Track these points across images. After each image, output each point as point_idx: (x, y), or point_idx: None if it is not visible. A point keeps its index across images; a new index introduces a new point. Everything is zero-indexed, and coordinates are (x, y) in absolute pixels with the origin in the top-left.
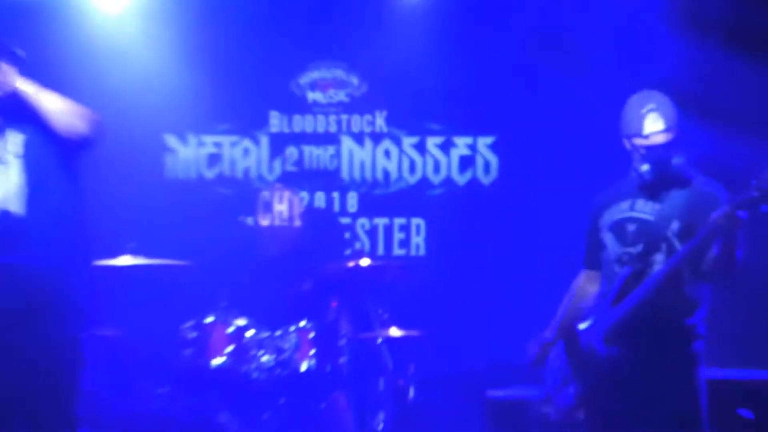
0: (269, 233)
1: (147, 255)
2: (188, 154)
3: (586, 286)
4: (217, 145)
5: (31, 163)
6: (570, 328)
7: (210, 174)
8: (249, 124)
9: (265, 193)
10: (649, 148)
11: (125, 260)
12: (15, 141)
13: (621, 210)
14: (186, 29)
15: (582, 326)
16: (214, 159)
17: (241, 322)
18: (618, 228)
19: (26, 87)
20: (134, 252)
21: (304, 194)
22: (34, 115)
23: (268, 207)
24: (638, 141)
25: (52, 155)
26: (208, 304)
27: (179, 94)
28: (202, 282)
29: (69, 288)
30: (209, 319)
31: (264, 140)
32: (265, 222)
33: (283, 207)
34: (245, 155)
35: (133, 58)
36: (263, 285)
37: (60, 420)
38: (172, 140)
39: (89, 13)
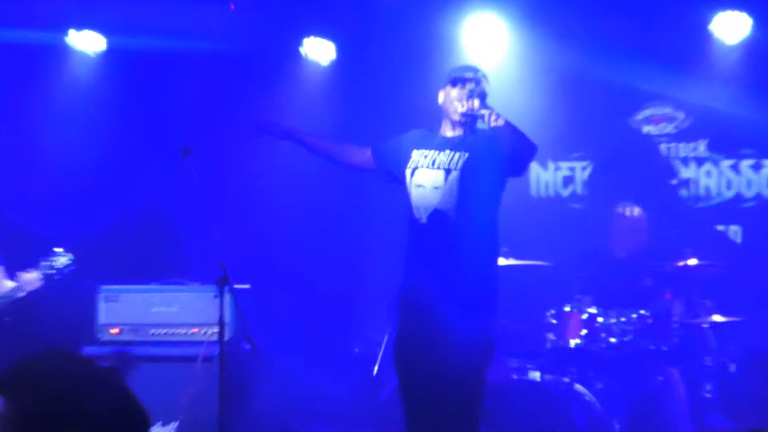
0: (619, 239)
1: (516, 257)
2: (548, 176)
3: None
4: (571, 169)
5: (467, 176)
6: None
7: (565, 192)
8: (594, 152)
9: (619, 209)
10: None
11: (501, 261)
12: (461, 157)
13: None
14: (548, 76)
15: None
16: (568, 180)
17: (593, 310)
18: None
19: (485, 110)
20: (507, 255)
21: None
22: (479, 136)
23: (618, 219)
24: None
25: (487, 172)
26: (566, 295)
27: (540, 128)
28: (561, 278)
29: (487, 283)
30: (567, 308)
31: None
32: (617, 231)
33: (630, 220)
34: (593, 177)
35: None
36: (611, 280)
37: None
38: (534, 166)
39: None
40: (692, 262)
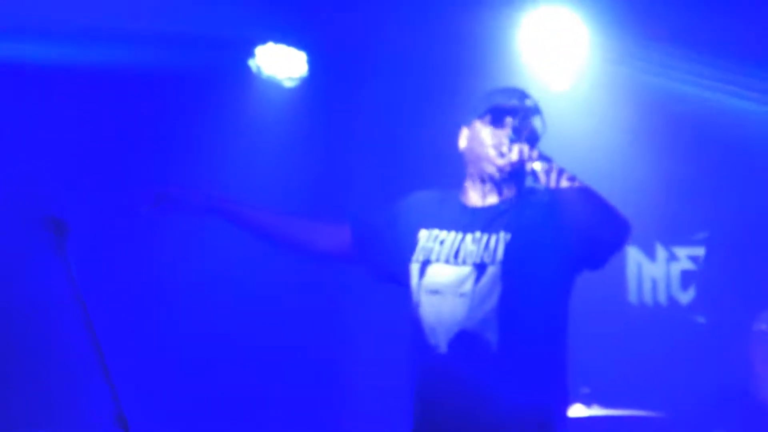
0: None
1: (605, 404)
2: (656, 271)
3: None
4: (693, 259)
5: (513, 273)
6: None
7: (684, 298)
8: (732, 229)
9: (762, 326)
10: None
11: (577, 410)
12: (501, 240)
13: None
14: (652, 105)
15: None
16: (688, 277)
17: None
18: None
19: (540, 161)
20: (588, 401)
21: None
22: (529, 204)
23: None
24: None
25: (546, 265)
26: None
27: (641, 191)
28: None
29: None
30: None
31: None
32: (762, 359)
33: None
34: (729, 272)
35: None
36: None
37: None
38: (635, 253)
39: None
40: None
